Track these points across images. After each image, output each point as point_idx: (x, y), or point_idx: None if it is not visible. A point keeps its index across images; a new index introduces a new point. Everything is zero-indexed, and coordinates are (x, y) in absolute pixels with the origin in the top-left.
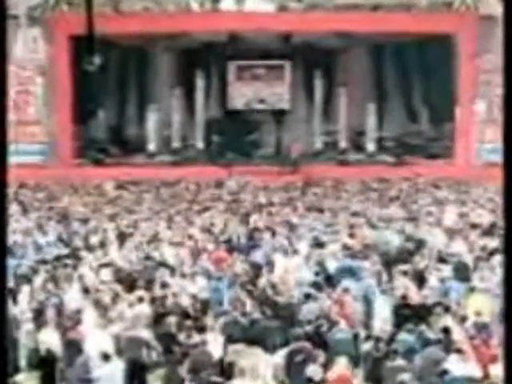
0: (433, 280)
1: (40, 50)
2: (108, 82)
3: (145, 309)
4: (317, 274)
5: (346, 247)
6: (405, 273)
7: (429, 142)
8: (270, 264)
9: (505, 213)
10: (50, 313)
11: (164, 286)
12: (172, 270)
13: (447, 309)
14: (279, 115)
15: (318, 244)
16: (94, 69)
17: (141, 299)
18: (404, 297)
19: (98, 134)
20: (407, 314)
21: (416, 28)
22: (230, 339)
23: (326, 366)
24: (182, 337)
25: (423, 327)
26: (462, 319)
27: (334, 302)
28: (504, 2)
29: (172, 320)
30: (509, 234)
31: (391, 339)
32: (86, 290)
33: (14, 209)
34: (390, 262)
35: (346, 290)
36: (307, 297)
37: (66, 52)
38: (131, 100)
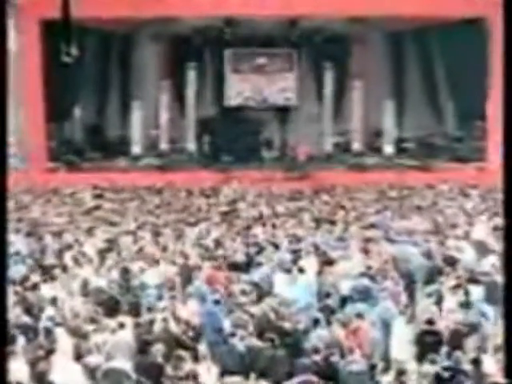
0: (461, 303)
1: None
2: (86, 74)
3: (127, 336)
4: (327, 295)
5: (360, 265)
6: (429, 295)
7: (456, 143)
8: (273, 284)
9: (505, 213)
10: (20, 341)
11: (150, 309)
12: (159, 292)
13: (478, 337)
14: (284, 113)
15: (329, 261)
16: (71, 60)
17: (122, 325)
18: (428, 322)
19: (74, 134)
20: (432, 342)
21: (441, 11)
22: (225, 370)
23: None
24: (169, 368)
25: (450, 357)
26: (496, 349)
27: (347, 328)
28: (504, 2)
29: (159, 348)
30: (509, 234)
31: (413, 371)
32: (59, 315)
33: None
34: (411, 282)
35: (360, 315)
36: (316, 322)
37: (36, 39)
38: (113, 95)
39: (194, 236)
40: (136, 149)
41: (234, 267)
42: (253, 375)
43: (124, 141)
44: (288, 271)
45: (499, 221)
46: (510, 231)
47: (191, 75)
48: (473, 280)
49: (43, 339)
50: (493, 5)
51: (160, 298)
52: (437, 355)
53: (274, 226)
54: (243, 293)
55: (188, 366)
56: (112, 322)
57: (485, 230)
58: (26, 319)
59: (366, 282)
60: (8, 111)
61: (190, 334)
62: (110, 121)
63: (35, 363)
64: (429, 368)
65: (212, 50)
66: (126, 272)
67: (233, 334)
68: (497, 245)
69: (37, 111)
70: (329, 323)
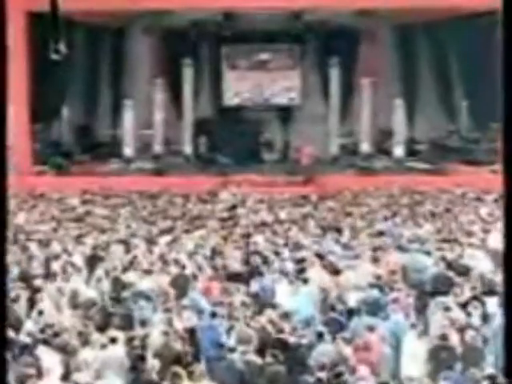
0: (477, 316)
1: None
2: (74, 71)
3: (119, 352)
4: (332, 308)
5: (368, 275)
6: (443, 307)
7: (471, 145)
8: (275, 296)
9: (505, 215)
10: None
11: (143, 322)
12: (154, 304)
13: (495, 352)
14: (286, 113)
15: (335, 271)
16: (60, 57)
17: (114, 340)
18: (442, 337)
19: (61, 135)
20: (446, 359)
21: (454, 2)
22: None
23: None
24: None
25: (466, 374)
26: None
27: (354, 343)
28: (503, 2)
29: (153, 365)
30: (509, 236)
31: None
32: (45, 330)
33: None
34: (423, 293)
35: (369, 329)
36: (320, 336)
37: (21, 33)
38: (103, 93)
39: (190, 244)
40: (128, 151)
41: (233, 277)
42: None
43: (115, 142)
44: (291, 282)
45: None
46: (510, 233)
47: (187, 72)
48: (489, 291)
49: (28, 355)
50: None
51: (154, 310)
52: (451, 372)
53: (275, 234)
54: (243, 305)
55: (185, 383)
56: (102, 337)
57: (501, 238)
58: (10, 334)
59: (374, 293)
60: (7, 111)
61: (187, 349)
62: (100, 121)
63: (23, 382)
64: None
65: (209, 45)
66: (117, 283)
67: (232, 350)
68: None
69: (22, 110)
70: (334, 338)
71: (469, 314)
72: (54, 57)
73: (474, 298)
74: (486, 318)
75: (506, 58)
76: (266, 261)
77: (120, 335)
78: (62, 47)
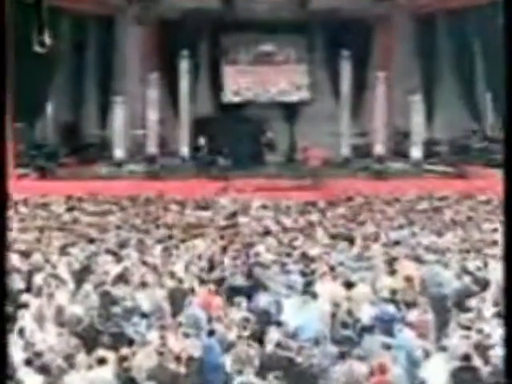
0: (503, 335)
1: None
2: (60, 64)
3: (108, 374)
4: (344, 325)
5: (383, 289)
6: (465, 325)
7: (495, 146)
8: (281, 312)
9: (505, 217)
10: None
11: (135, 342)
12: (147, 321)
13: None
14: (293, 110)
15: (347, 284)
16: (45, 50)
17: (103, 360)
18: (464, 357)
19: (46, 135)
20: (469, 381)
21: None
22: None
23: None
24: None
25: None
26: None
27: (368, 364)
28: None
29: None
30: (509, 237)
31: None
32: (28, 350)
33: None
34: (444, 309)
35: (384, 348)
36: (331, 357)
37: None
38: (91, 89)
39: (187, 255)
40: (119, 153)
41: (234, 291)
42: None
43: (105, 143)
44: (298, 296)
45: None
46: (510, 235)
47: (183, 66)
48: None
49: (8, 379)
50: None
51: (147, 327)
52: None
53: (281, 244)
54: (244, 321)
55: None
56: (90, 357)
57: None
58: None
59: (390, 309)
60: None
61: (183, 370)
62: (88, 119)
63: None
64: None
65: (208, 36)
66: (107, 297)
67: (233, 372)
68: None
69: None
70: (346, 358)
71: (493, 332)
72: (38, 49)
73: (499, 314)
74: None
75: (506, 56)
76: (269, 273)
77: (109, 355)
78: (47, 38)
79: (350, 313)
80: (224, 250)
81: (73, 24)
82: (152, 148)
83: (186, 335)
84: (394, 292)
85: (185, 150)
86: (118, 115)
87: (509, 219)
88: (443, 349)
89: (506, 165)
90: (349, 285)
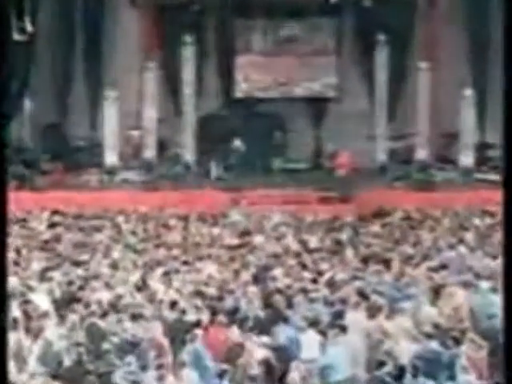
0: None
1: None
2: (42, 55)
3: None
4: (379, 364)
5: (426, 322)
6: None
7: None
8: (302, 348)
9: (505, 219)
10: None
11: (131, 382)
12: (142, 358)
13: None
14: (318, 107)
15: (381, 316)
16: (25, 38)
17: None
18: None
19: (23, 136)
20: None
21: None
22: None
23: None
24: None
25: None
26: None
27: None
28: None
29: None
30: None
31: None
32: None
33: None
34: (498, 345)
35: None
36: None
37: None
38: (77, 82)
39: (190, 280)
40: (111, 158)
41: (248, 325)
42: None
43: (94, 147)
44: (324, 330)
45: None
46: (510, 236)
47: (186, 54)
48: None
49: None
50: None
51: (143, 367)
52: None
53: (303, 267)
54: (261, 361)
55: None
56: None
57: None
58: None
59: (434, 345)
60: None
61: None
62: (74, 118)
63: None
64: None
65: (216, 19)
66: (95, 331)
67: None
68: None
69: None
70: None
71: None
72: (18, 37)
73: None
74: None
75: (506, 56)
76: (290, 302)
77: None
78: (28, 26)
79: (385, 351)
80: (236, 274)
81: (57, 7)
82: (150, 152)
83: (189, 377)
84: (438, 326)
85: (188, 155)
86: (110, 113)
87: (508, 222)
88: None
89: (506, 164)
90: (385, 317)
